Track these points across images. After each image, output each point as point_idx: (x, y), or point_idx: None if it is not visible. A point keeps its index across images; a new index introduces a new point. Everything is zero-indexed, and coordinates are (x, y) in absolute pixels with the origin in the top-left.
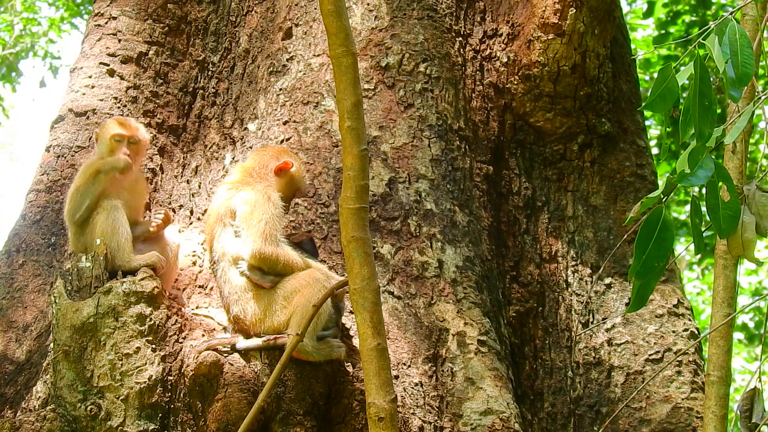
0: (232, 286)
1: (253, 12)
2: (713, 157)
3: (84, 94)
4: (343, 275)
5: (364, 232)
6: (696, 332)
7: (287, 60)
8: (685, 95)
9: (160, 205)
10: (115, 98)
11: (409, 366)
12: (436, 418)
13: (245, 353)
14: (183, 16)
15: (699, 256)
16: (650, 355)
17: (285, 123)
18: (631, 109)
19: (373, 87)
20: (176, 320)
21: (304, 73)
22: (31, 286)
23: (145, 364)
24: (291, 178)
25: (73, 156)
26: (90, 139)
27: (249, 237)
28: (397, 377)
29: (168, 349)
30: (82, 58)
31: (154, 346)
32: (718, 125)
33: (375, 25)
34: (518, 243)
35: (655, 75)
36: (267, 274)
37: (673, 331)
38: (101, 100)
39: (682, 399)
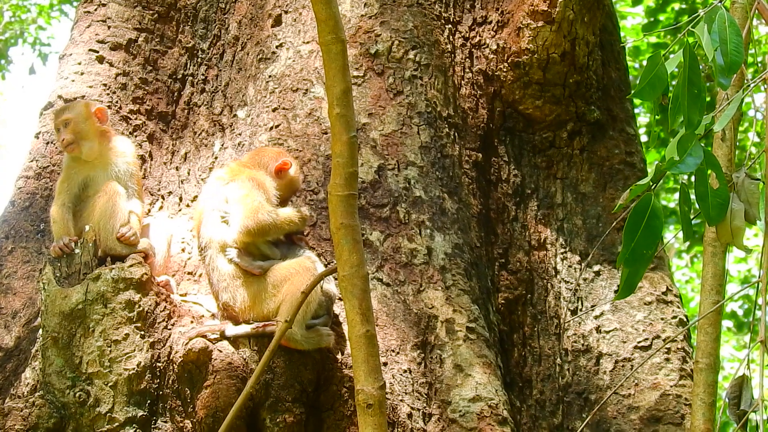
0: (221, 274)
1: None
2: (702, 144)
3: (73, 80)
4: (332, 262)
5: (353, 219)
6: (685, 319)
7: (276, 47)
8: (674, 83)
9: (150, 193)
10: (105, 85)
11: (398, 353)
12: (424, 404)
13: (234, 340)
14: (172, 3)
15: (688, 243)
16: (639, 342)
17: (274, 110)
18: (621, 97)
19: (362, 74)
20: (165, 307)
21: (294, 60)
22: (20, 272)
23: (134, 350)
24: (291, 181)
25: None
26: None
27: (239, 215)
28: (385, 364)
29: (157, 335)
30: (71, 44)
31: (142, 332)
32: (707, 113)
33: (364, 12)
34: (507, 230)
35: (645, 63)
36: (256, 260)
37: (662, 319)
38: (90, 86)
39: (671, 386)
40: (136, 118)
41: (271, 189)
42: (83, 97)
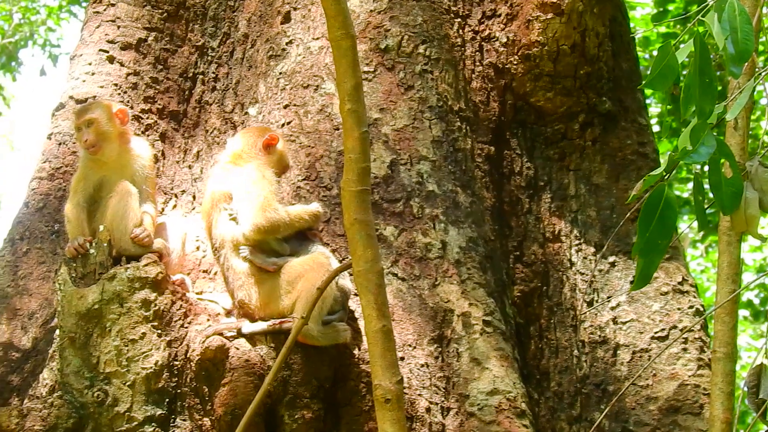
0: (236, 272)
1: None
2: (715, 134)
3: (84, 81)
4: (347, 258)
5: (367, 214)
6: (701, 309)
7: (286, 44)
8: (685, 73)
9: (164, 192)
10: (116, 85)
11: (415, 347)
12: (442, 398)
13: (251, 337)
14: (181, 2)
15: (702, 233)
16: (656, 332)
17: (285, 107)
18: (632, 88)
19: (372, 69)
20: (181, 305)
21: (304, 57)
22: (35, 273)
23: (151, 349)
24: (280, 156)
25: (74, 143)
26: None
27: (248, 213)
28: (402, 359)
29: (173, 334)
30: (81, 45)
31: (159, 331)
32: (719, 102)
33: (373, 7)
34: (521, 223)
35: (655, 53)
36: (270, 257)
37: (678, 309)
38: (101, 86)
39: (689, 376)
40: (147, 118)
41: (272, 177)
42: (94, 97)
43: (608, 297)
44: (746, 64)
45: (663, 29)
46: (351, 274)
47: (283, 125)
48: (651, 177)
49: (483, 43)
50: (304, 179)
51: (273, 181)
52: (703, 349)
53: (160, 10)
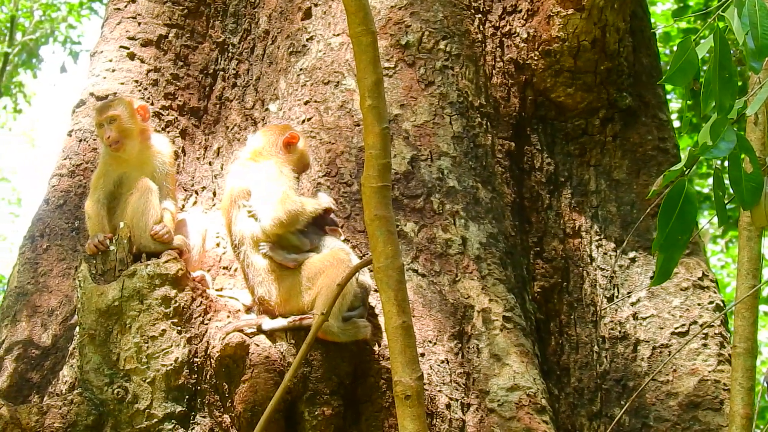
0: (256, 269)
1: None
2: (735, 129)
3: (105, 78)
4: (367, 254)
5: (387, 210)
6: (721, 305)
7: (307, 40)
8: (705, 68)
9: (184, 188)
10: (136, 81)
11: (435, 343)
12: (462, 395)
13: (271, 334)
14: None
15: (722, 228)
16: (676, 328)
17: (306, 103)
18: (652, 83)
19: (393, 65)
20: (201, 302)
21: (324, 53)
22: (55, 270)
23: (171, 346)
24: (301, 154)
25: (95, 140)
26: None
27: (267, 209)
28: (423, 355)
29: (193, 330)
30: (102, 41)
31: (179, 328)
32: (739, 97)
33: (394, 3)
34: (541, 219)
35: (675, 48)
36: (290, 253)
37: (699, 304)
38: (122, 83)
39: (709, 372)
40: (168, 114)
41: (290, 173)
42: (115, 94)
43: (628, 293)
44: (766, 59)
45: (683, 24)
46: (371, 270)
47: (303, 121)
48: (671, 172)
49: (503, 38)
50: (324, 175)
51: (291, 177)
52: (723, 345)
53: (181, 7)
